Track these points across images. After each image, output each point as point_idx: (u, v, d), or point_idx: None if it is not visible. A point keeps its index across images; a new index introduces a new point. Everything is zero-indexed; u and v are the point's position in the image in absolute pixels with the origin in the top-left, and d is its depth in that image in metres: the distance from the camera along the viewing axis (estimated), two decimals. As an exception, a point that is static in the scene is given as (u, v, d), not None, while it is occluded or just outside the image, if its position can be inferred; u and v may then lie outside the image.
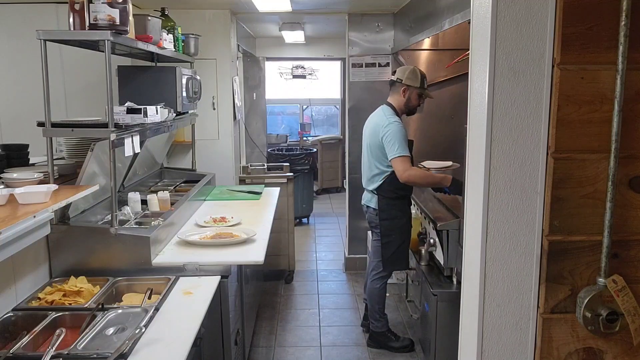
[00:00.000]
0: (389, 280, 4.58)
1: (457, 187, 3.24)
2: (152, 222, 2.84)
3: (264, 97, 7.28)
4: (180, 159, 4.60)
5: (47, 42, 2.33)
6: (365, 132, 3.54)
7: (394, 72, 3.50)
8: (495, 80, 1.26)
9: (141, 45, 2.77)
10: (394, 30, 4.78)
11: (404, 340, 3.65)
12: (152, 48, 2.94)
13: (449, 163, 3.65)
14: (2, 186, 2.17)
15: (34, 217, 1.96)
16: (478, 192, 1.33)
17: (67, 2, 2.38)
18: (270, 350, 3.66)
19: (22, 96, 3.75)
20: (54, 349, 1.80)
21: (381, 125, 3.32)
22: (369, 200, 3.52)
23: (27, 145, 2.74)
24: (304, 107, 9.34)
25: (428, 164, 3.72)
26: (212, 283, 2.51)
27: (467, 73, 1.42)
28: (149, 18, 2.91)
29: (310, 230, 6.69)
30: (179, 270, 2.60)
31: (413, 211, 3.66)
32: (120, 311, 2.19)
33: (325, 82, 9.02)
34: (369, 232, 3.71)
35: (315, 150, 7.89)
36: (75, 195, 2.29)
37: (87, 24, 2.35)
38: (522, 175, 1.29)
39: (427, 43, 4.42)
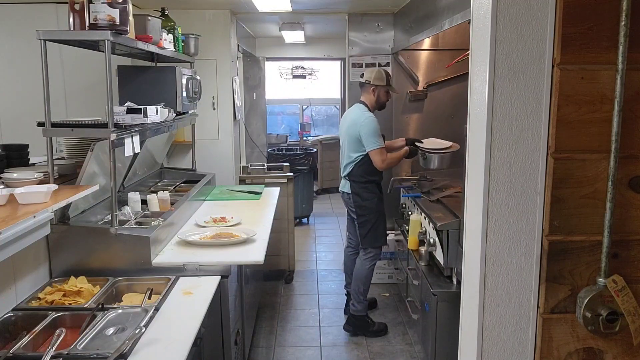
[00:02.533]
0: (389, 281, 4.63)
1: (412, 153, 3.83)
2: (152, 222, 2.84)
3: (264, 97, 7.28)
4: (180, 159, 4.59)
5: (47, 42, 2.33)
6: (342, 127, 3.88)
7: (362, 75, 3.82)
8: (495, 80, 1.26)
9: (141, 45, 2.77)
10: (394, 30, 4.78)
11: (379, 325, 3.86)
12: (152, 48, 2.94)
13: (449, 144, 3.71)
14: (2, 186, 2.17)
15: (34, 217, 1.96)
16: (478, 192, 1.33)
17: (67, 2, 2.38)
18: (270, 350, 3.66)
19: (22, 96, 3.75)
20: (54, 349, 1.80)
21: (359, 120, 3.68)
22: (343, 186, 3.89)
23: (27, 145, 2.74)
24: (304, 107, 9.33)
25: (428, 141, 3.81)
26: (212, 283, 2.51)
27: (467, 73, 1.42)
28: (149, 18, 2.91)
29: (310, 230, 6.69)
30: (179, 270, 2.60)
31: (413, 211, 3.67)
32: (120, 311, 2.19)
33: (325, 82, 9.02)
34: (347, 218, 4.11)
35: (315, 150, 7.89)
36: (75, 195, 2.29)
37: (87, 24, 2.35)
38: (522, 175, 1.29)
39: (427, 43, 4.42)
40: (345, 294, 4.20)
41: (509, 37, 1.24)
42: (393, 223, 4.55)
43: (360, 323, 3.83)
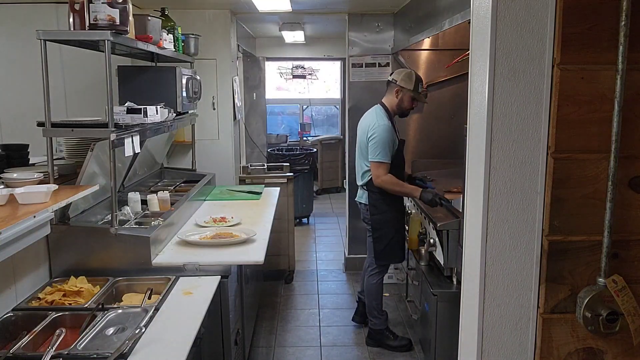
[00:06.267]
0: (389, 281, 4.62)
1: (427, 199, 3.23)
2: (152, 222, 2.84)
3: (264, 97, 7.28)
4: (180, 159, 4.59)
5: (47, 42, 2.33)
6: (358, 132, 3.60)
7: (391, 73, 3.59)
8: (495, 80, 1.26)
9: (141, 45, 2.77)
10: (394, 30, 4.78)
11: (402, 339, 3.66)
12: (152, 48, 2.94)
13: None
14: (2, 186, 2.17)
15: (34, 217, 1.96)
16: (478, 192, 1.33)
17: (67, 2, 2.38)
18: (270, 350, 3.66)
19: (22, 96, 3.74)
20: (54, 349, 1.80)
21: (371, 125, 3.40)
22: (360, 196, 3.62)
23: (27, 145, 2.73)
24: (304, 107, 9.33)
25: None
26: (212, 283, 2.51)
27: (467, 73, 1.42)
28: (149, 18, 2.91)
29: (310, 230, 6.69)
30: (179, 270, 2.60)
31: (413, 211, 3.66)
32: (120, 311, 2.19)
33: (325, 82, 9.02)
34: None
35: (315, 150, 7.89)
36: (75, 195, 2.29)
37: (87, 24, 2.35)
38: (522, 175, 1.29)
39: (427, 43, 4.42)
40: (357, 301, 4.05)
41: (509, 37, 1.24)
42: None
43: (379, 337, 3.66)
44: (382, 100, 3.55)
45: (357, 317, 3.99)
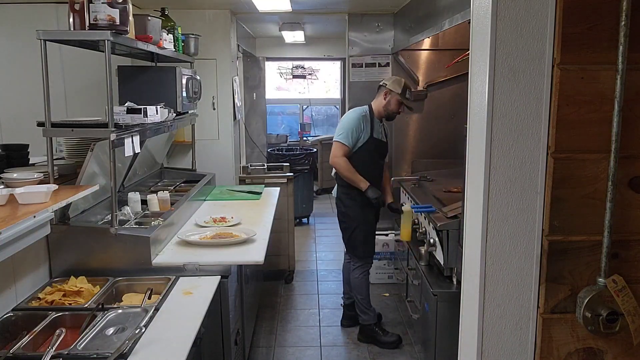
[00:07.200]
0: (389, 281, 4.63)
1: (373, 196, 3.51)
2: (152, 222, 2.84)
3: (264, 97, 7.27)
4: (180, 159, 4.59)
5: (47, 42, 2.33)
6: None
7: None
8: (495, 80, 1.26)
9: (141, 45, 2.77)
10: (394, 30, 4.78)
11: (391, 335, 3.70)
12: (152, 48, 2.94)
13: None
14: (2, 186, 2.17)
15: (34, 217, 1.96)
16: (478, 192, 1.33)
17: (67, 2, 2.38)
18: (270, 350, 3.66)
19: (22, 96, 3.75)
20: (54, 349, 1.80)
21: (345, 116, 3.65)
22: (335, 190, 3.82)
23: (27, 145, 2.74)
24: (304, 107, 9.33)
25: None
26: (212, 283, 2.51)
27: (467, 73, 1.42)
28: (149, 18, 2.91)
29: (310, 230, 6.69)
30: (179, 270, 2.60)
31: (405, 203, 3.67)
32: (120, 311, 2.19)
33: (325, 82, 9.02)
34: None
35: (315, 150, 7.88)
36: (75, 195, 2.29)
37: (87, 24, 2.35)
38: (522, 175, 1.29)
39: (427, 43, 4.43)
40: (341, 305, 4.08)
41: (509, 37, 1.24)
42: (393, 223, 4.55)
43: (368, 332, 3.72)
44: (371, 102, 3.69)
45: (345, 320, 4.01)
